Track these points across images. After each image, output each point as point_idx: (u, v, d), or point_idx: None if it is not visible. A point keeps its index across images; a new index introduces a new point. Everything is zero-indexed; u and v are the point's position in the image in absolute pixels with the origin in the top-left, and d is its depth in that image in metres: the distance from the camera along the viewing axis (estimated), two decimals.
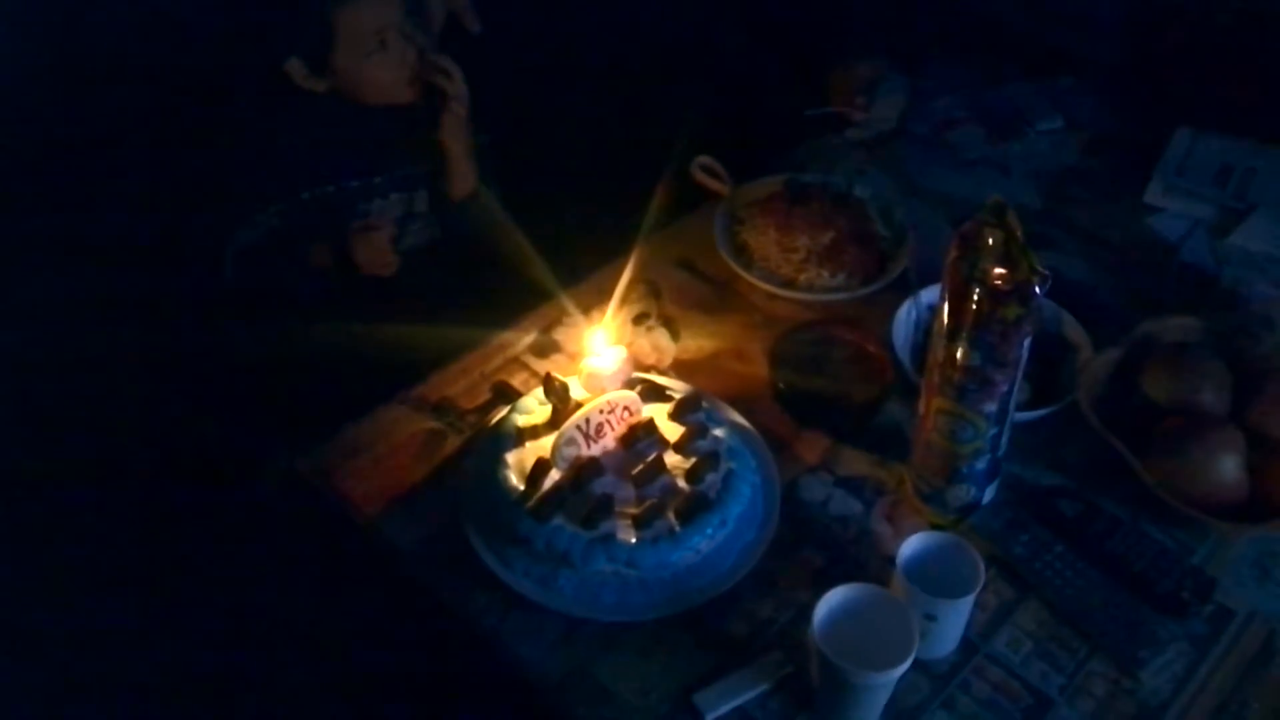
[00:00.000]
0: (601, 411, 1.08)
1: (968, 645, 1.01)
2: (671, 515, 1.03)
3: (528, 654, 1.00)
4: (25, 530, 1.64)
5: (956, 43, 1.83)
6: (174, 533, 1.58)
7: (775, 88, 1.65)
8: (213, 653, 1.51)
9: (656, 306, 1.33)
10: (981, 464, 1.06)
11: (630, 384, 1.14)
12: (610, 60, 1.61)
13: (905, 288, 1.28)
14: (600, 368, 1.13)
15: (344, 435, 1.19)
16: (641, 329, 1.28)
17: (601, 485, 1.06)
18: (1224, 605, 1.05)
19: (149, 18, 1.56)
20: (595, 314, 1.27)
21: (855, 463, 1.17)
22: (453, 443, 1.18)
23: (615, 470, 1.07)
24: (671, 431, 1.11)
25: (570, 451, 1.07)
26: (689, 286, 1.40)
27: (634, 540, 1.01)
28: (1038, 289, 0.94)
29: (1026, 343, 0.98)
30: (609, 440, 1.09)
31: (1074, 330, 1.26)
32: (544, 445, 1.08)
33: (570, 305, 1.30)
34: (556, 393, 1.12)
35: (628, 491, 1.06)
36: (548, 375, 1.14)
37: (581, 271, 1.39)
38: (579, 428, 1.07)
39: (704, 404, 1.15)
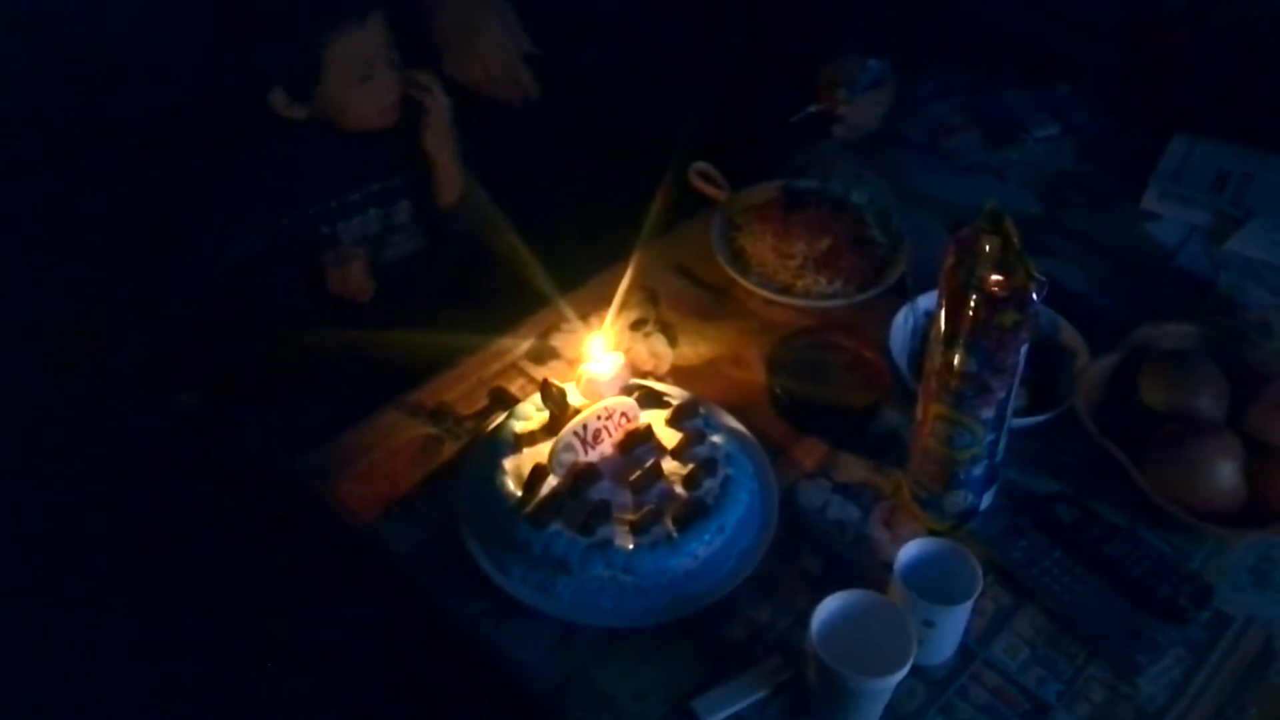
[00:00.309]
0: (599, 417, 1.08)
1: (965, 651, 1.00)
2: (669, 521, 1.03)
3: (525, 659, 1.00)
4: (25, 530, 1.64)
5: (954, 48, 1.84)
6: (169, 537, 1.58)
7: (772, 94, 1.65)
8: (208, 657, 1.50)
9: (654, 312, 1.33)
10: (979, 470, 1.06)
11: (628, 390, 1.14)
12: (607, 64, 1.61)
13: (902, 294, 1.28)
14: (598, 374, 1.12)
15: (341, 441, 1.19)
16: (639, 335, 1.28)
17: (599, 491, 1.06)
18: (1221, 611, 1.05)
19: (138, 49, 1.57)
20: (593, 320, 1.27)
21: (853, 469, 1.17)
22: (450, 448, 1.18)
23: (613, 476, 1.07)
24: (669, 437, 1.11)
25: (568, 457, 1.06)
26: (686, 292, 1.40)
27: (631, 546, 1.01)
28: (1035, 295, 0.94)
29: (1024, 349, 0.98)
30: (606, 446, 1.09)
31: (1071, 336, 1.26)
32: (541, 451, 1.08)
33: (568, 311, 1.30)
34: (554, 398, 1.12)
35: (625, 497, 1.06)
36: (545, 381, 1.14)
37: (579, 278, 1.38)
38: (576, 434, 1.07)
39: (701, 410, 1.14)
